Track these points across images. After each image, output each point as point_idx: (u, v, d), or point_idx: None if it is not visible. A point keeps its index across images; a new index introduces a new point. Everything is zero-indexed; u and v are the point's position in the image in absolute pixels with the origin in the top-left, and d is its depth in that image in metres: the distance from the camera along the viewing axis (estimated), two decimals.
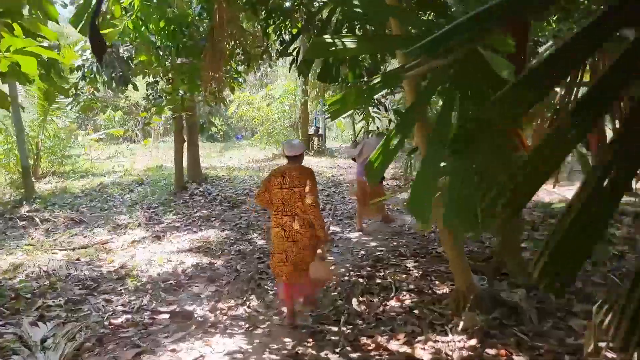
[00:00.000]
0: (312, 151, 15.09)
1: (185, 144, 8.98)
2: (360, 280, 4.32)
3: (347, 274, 4.55)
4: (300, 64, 4.19)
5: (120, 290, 4.38)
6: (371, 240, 5.68)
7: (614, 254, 4.43)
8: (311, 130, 15.73)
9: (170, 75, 4.20)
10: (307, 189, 3.42)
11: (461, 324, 3.31)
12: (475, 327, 3.25)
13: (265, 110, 14.96)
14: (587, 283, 3.86)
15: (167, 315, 3.76)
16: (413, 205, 1.63)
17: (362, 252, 5.21)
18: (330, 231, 5.96)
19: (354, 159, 6.39)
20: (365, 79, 4.28)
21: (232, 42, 5.24)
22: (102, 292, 4.34)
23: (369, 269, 4.61)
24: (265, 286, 4.37)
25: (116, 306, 4.01)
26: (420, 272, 4.41)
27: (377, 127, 9.48)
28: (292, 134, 15.43)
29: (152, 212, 7.35)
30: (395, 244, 5.45)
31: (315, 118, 16.54)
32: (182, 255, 5.30)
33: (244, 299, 4.09)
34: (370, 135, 7.01)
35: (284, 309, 3.66)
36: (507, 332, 3.20)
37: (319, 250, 3.52)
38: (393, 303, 3.83)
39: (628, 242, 4.81)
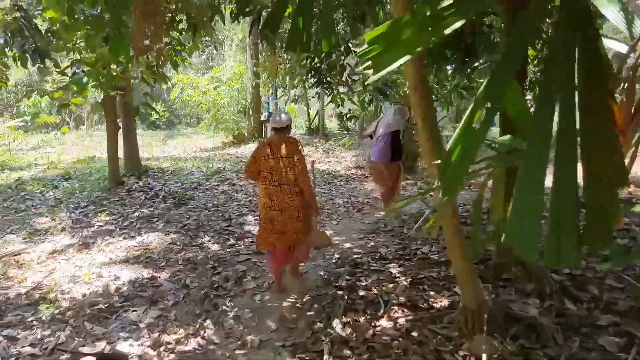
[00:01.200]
0: (265, 139, 14.16)
1: (120, 132, 7.80)
2: (340, 292, 3.60)
3: (322, 285, 3.82)
4: (264, 26, 3.35)
5: (31, 321, 3.37)
6: (344, 240, 4.98)
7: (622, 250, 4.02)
8: (263, 117, 14.74)
9: (86, 34, 3.22)
10: (296, 158, 3.57)
11: (474, 349, 2.70)
12: (493, 354, 2.65)
13: (212, 95, 13.77)
14: (603, 288, 3.38)
15: (92, 359, 2.85)
16: (514, 234, 0.91)
17: (337, 255, 4.50)
18: None
19: (371, 137, 5.91)
20: (342, 48, 3.53)
21: (173, 5, 4.28)
22: (5, 325, 3.32)
23: (348, 277, 3.91)
24: (224, 306, 3.54)
25: (22, 346, 3.03)
26: (409, 280, 3.76)
27: (349, 110, 8.77)
28: (242, 121, 14.40)
29: (79, 212, 6.21)
30: (373, 244, 4.79)
31: (268, 103, 15.55)
32: (115, 268, 4.32)
33: (197, 326, 3.25)
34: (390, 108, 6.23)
35: (272, 281, 3.80)
36: (532, 359, 2.62)
37: (313, 220, 3.69)
38: (384, 323, 3.15)
39: (626, 234, 4.45)
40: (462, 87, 5.48)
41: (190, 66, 21.44)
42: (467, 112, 0.86)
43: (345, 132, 9.18)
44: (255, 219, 5.75)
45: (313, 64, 4.89)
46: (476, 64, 4.67)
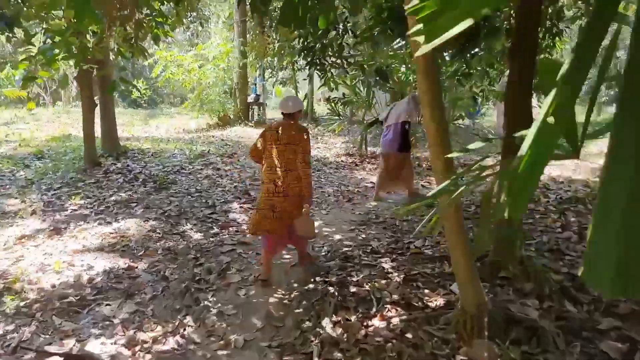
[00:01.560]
0: (252, 122, 13.80)
1: (97, 109, 7.41)
2: (330, 289, 3.42)
3: (312, 279, 3.63)
4: None
5: None
6: (334, 231, 4.80)
7: None
8: (250, 98, 14.36)
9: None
10: (302, 146, 3.59)
11: (474, 354, 2.56)
12: None
13: (197, 74, 13.30)
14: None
15: None
16: (593, 264, 0.70)
17: (326, 248, 4.32)
18: None
19: (381, 123, 5.91)
20: (340, 26, 3.27)
21: None
22: None
23: (338, 272, 3.73)
24: (206, 301, 3.32)
25: None
26: (402, 276, 3.60)
27: (343, 95, 8.50)
28: (228, 102, 13.99)
29: (52, 195, 5.87)
30: (364, 236, 4.61)
31: (255, 84, 15.13)
32: (89, 256, 4.06)
33: (176, 323, 3.04)
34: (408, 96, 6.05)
35: (258, 274, 3.71)
36: None
37: (304, 208, 3.63)
38: (377, 322, 2.99)
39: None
40: (460, 73, 5.29)
41: (174, 42, 20.75)
42: (544, 104, 0.64)
43: (337, 117, 8.92)
44: (241, 207, 5.52)
45: (306, 42, 4.61)
46: (476, 50, 4.45)
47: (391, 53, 7.35)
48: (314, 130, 13.19)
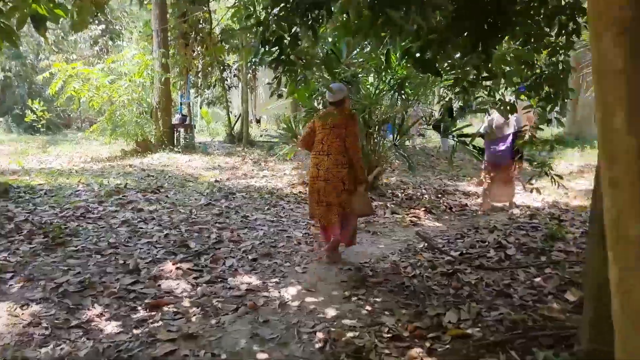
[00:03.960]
0: (179, 147, 12.03)
1: None
2: None
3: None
4: None
5: None
6: (323, 303, 3.39)
7: None
8: (175, 120, 12.62)
9: None
10: (349, 129, 3.77)
11: None
12: None
13: (108, 91, 11.34)
14: None
15: None
16: None
17: (320, 334, 2.93)
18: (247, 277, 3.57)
19: (482, 136, 6.34)
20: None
21: None
22: None
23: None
24: None
25: None
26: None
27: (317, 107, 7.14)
28: (147, 124, 12.12)
29: None
30: (369, 308, 3.27)
31: (181, 103, 13.42)
32: None
33: None
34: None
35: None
36: None
37: (359, 188, 3.84)
38: None
39: None
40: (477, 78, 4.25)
41: (74, 54, 18.32)
42: None
43: (292, 138, 7.59)
44: (178, 268, 3.96)
45: (268, 32, 3.31)
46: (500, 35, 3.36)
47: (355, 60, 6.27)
48: (253, 155, 11.78)
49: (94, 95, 11.15)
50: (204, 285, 3.65)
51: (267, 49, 3.50)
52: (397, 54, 6.10)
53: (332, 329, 2.97)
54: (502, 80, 4.01)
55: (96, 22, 22.22)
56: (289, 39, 3.44)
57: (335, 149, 3.74)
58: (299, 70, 3.53)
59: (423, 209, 6.36)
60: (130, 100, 11.61)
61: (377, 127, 7.00)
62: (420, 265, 4.04)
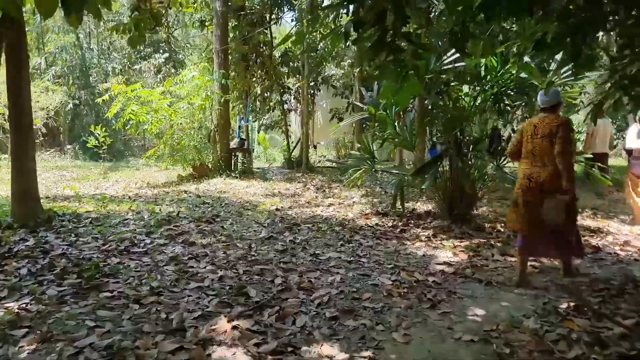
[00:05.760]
0: (236, 172, 11.42)
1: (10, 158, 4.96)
2: None
3: None
4: None
5: None
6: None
7: None
8: (234, 143, 12.09)
9: None
10: (560, 136, 3.53)
11: None
12: None
13: (166, 114, 11.01)
14: None
15: None
16: None
17: None
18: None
19: (629, 153, 6.21)
20: None
21: None
22: None
23: None
24: None
25: None
26: None
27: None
28: (206, 148, 11.67)
29: None
30: None
31: (240, 126, 12.92)
32: None
33: None
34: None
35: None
36: None
37: (561, 197, 3.53)
38: None
39: None
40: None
41: (139, 77, 18.66)
42: None
43: (367, 162, 6.61)
44: (234, 327, 3.00)
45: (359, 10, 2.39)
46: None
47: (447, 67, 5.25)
48: (315, 181, 10.90)
49: (152, 118, 10.84)
50: (269, 357, 2.66)
51: (361, 31, 2.59)
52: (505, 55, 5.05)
53: None
54: None
55: (160, 50, 22.94)
56: (393, 15, 2.51)
57: (550, 159, 3.57)
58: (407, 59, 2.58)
59: None
60: (188, 124, 11.22)
61: (470, 147, 5.87)
62: (578, 339, 2.81)
